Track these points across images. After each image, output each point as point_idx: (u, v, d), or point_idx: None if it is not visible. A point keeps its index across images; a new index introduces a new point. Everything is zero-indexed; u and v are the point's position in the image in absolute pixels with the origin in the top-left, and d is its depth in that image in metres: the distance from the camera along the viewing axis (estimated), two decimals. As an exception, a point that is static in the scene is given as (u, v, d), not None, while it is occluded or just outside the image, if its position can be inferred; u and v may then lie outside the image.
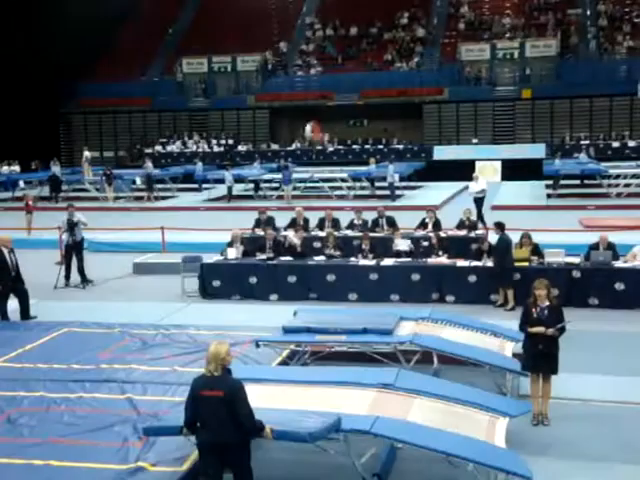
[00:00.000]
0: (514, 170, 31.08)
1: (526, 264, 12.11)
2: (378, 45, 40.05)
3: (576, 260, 12.31)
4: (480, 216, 18.46)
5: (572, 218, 19.21)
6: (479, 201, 19.77)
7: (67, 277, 14.24)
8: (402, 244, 13.39)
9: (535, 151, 33.13)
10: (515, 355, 8.26)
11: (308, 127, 23.26)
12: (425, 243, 13.69)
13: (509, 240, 12.15)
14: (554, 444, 7.12)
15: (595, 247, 12.37)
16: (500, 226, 12.18)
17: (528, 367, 7.67)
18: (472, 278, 12.34)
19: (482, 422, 6.49)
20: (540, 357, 7.52)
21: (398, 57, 38.91)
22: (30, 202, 20.70)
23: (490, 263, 12.37)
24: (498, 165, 32.29)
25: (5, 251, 11.23)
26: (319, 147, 32.44)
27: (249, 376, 6.93)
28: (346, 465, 6.03)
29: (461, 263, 12.62)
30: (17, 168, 34.25)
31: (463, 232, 14.94)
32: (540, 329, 7.48)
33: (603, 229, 14.46)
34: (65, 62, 35.76)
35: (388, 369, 7.54)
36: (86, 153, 33.60)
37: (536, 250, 12.43)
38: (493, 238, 13.16)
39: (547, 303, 7.57)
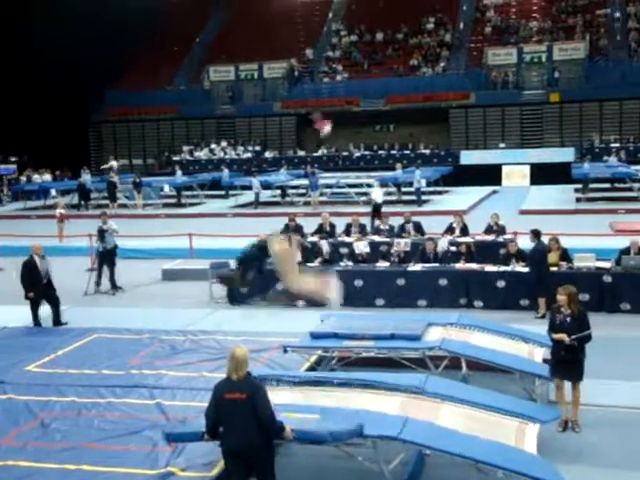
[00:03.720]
0: (543, 174, 30.81)
1: (555, 269, 11.99)
2: (404, 50, 40.00)
3: (607, 265, 12.16)
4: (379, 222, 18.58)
5: (602, 222, 18.98)
6: (376, 207, 20.49)
7: (97, 284, 14.40)
8: (443, 243, 13.39)
9: (564, 155, 32.82)
10: (545, 361, 8.19)
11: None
12: (453, 248, 13.62)
13: (545, 249, 11.92)
14: (585, 451, 7.04)
15: (626, 251, 12.20)
16: (536, 234, 11.87)
17: (552, 373, 7.63)
18: (501, 283, 12.25)
19: (511, 428, 6.44)
20: (563, 363, 7.47)
21: (424, 62, 38.83)
22: (62, 210, 20.99)
23: (519, 268, 12.27)
24: (526, 169, 32.05)
25: (37, 258, 11.43)
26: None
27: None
28: (374, 471, 6.02)
29: (489, 268, 12.55)
30: (48, 177, 34.80)
31: (491, 237, 14.85)
32: (561, 336, 7.43)
33: (634, 233, 14.27)
34: (94, 71, 36.26)
35: (416, 375, 7.52)
36: (112, 162, 33.98)
37: (565, 255, 12.30)
38: (524, 243, 13.04)
39: (569, 311, 7.51)
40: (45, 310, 11.56)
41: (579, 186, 27.16)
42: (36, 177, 34.28)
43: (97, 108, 40.90)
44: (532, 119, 36.19)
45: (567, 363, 7.45)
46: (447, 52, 39.19)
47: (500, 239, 14.57)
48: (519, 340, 8.88)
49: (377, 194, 21.39)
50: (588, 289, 11.54)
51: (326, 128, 19.26)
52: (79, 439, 6.96)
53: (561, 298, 7.55)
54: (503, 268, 12.45)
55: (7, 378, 8.73)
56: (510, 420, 6.57)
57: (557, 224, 16.27)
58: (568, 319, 7.48)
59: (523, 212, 22.45)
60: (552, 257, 12.07)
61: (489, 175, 31.24)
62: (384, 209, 20.79)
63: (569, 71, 36.60)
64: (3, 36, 33.24)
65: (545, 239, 12.26)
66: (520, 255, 12.54)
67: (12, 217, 27.54)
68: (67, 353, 9.76)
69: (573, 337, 7.37)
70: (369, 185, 27.92)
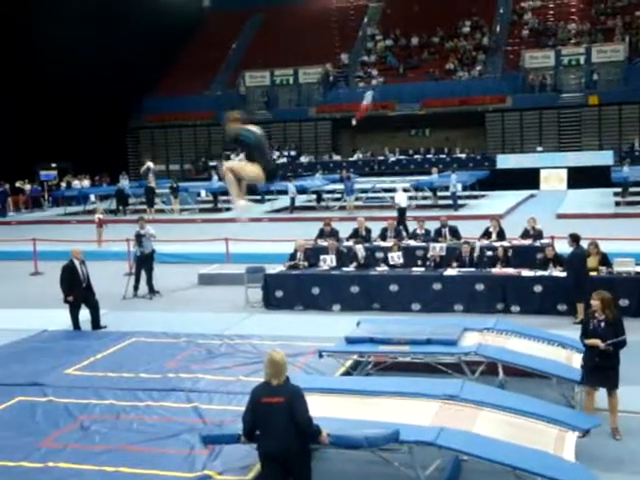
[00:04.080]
0: (581, 178, 30.41)
1: (594, 274, 11.81)
2: (440, 54, 39.82)
3: (647, 270, 11.96)
4: (404, 226, 18.82)
5: (642, 226, 18.65)
6: (401, 211, 20.50)
7: (135, 288, 14.58)
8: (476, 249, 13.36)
9: (603, 158, 32.30)
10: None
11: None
12: (489, 253, 13.52)
13: (584, 253, 11.71)
14: (625, 459, 6.91)
15: (667, 256, 11.98)
16: (575, 238, 11.66)
17: (585, 379, 7.52)
18: (538, 288, 12.11)
19: (550, 435, 6.35)
20: (598, 370, 7.36)
21: (460, 66, 38.61)
22: (101, 215, 21.32)
23: (556, 272, 12.12)
24: (564, 173, 31.66)
25: (77, 263, 11.63)
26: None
27: (312, 386, 6.98)
28: (410, 477, 6.00)
29: (526, 273, 12.41)
30: (87, 182, 35.39)
31: (528, 241, 14.70)
32: (594, 341, 7.32)
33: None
34: (132, 78, 36.82)
35: (452, 380, 7.47)
36: (149, 163, 34.37)
37: (604, 260, 12.11)
38: (562, 248, 12.87)
39: (604, 316, 7.39)
40: (84, 314, 11.75)
41: (618, 190, 26.74)
42: (76, 183, 34.88)
43: (135, 114, 41.53)
44: (570, 122, 35.72)
45: (602, 369, 7.33)
46: (483, 55, 38.90)
47: (537, 243, 14.42)
48: (557, 346, 8.77)
49: (401, 198, 21.28)
50: (628, 294, 11.36)
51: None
52: (118, 442, 7.05)
53: (595, 303, 7.45)
54: (540, 273, 12.31)
55: (47, 381, 8.89)
56: (549, 427, 6.48)
57: (596, 228, 16.05)
58: (602, 324, 7.37)
59: (561, 216, 22.17)
60: (591, 262, 11.89)
61: (526, 179, 30.94)
62: (418, 213, 20.71)
63: (608, 73, 36.06)
64: (46, 46, 33.85)
65: (584, 243, 12.09)
66: (557, 260, 12.39)
67: (52, 222, 28.03)
68: (106, 356, 9.91)
69: (608, 342, 7.25)
70: (404, 189, 27.84)
